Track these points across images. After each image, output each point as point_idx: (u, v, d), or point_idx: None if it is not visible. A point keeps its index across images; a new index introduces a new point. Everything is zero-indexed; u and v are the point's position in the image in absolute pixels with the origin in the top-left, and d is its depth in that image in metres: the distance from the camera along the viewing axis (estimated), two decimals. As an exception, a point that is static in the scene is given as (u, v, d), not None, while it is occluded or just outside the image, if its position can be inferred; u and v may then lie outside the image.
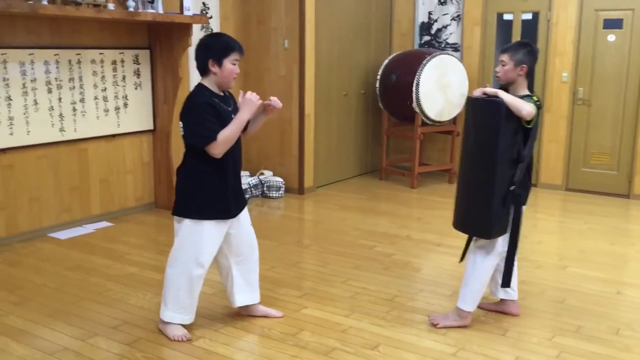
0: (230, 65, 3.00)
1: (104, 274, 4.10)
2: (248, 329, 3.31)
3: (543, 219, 5.59)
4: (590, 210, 5.96)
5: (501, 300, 3.52)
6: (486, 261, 3.26)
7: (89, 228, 5.13)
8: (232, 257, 3.26)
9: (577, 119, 6.62)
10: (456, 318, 3.33)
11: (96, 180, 5.30)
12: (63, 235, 4.93)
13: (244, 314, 3.44)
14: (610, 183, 6.55)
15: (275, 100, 3.16)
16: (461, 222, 3.34)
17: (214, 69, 2.99)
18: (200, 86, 3.05)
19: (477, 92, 3.16)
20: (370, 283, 3.99)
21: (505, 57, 3.22)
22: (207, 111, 2.94)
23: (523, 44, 3.26)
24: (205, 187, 3.05)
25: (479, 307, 3.53)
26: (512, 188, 3.13)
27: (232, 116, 3.04)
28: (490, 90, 3.09)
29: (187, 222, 3.07)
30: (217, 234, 3.11)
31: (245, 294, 3.36)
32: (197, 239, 3.07)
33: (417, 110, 6.51)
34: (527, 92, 3.22)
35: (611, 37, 6.35)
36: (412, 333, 3.27)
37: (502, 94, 3.05)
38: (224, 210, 3.10)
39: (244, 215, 3.26)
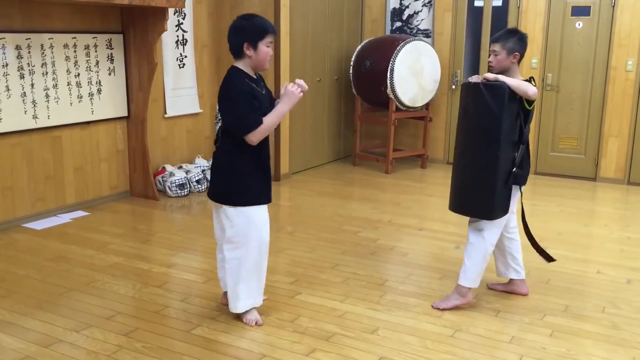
0: (265, 47, 2.96)
1: (88, 264, 4.01)
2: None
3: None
4: (561, 193, 6.13)
5: (510, 280, 3.61)
6: (483, 241, 3.32)
7: (65, 217, 5.00)
8: None
9: (546, 105, 6.78)
10: (457, 297, 3.40)
11: (70, 169, 5.16)
12: (38, 225, 4.79)
13: (226, 302, 3.37)
14: (578, 166, 6.74)
15: (301, 84, 3.08)
16: (461, 204, 3.38)
17: (249, 52, 2.95)
18: (235, 69, 3.00)
19: (474, 79, 3.21)
20: (359, 268, 4.02)
21: (497, 47, 3.27)
22: (247, 98, 2.91)
23: (513, 32, 3.31)
24: (253, 173, 3.04)
25: (489, 287, 3.65)
26: (514, 170, 3.21)
27: (265, 100, 3.02)
28: (490, 75, 3.15)
29: (243, 210, 3.04)
30: (267, 217, 3.14)
31: None
32: (259, 224, 3.07)
33: (391, 96, 6.55)
34: (521, 78, 3.29)
35: (579, 24, 6.51)
36: (408, 316, 3.32)
37: (503, 78, 3.13)
38: (269, 193, 3.13)
39: None
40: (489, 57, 3.37)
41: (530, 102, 3.19)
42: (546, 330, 3.19)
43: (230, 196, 3.07)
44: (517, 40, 3.27)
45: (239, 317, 3.21)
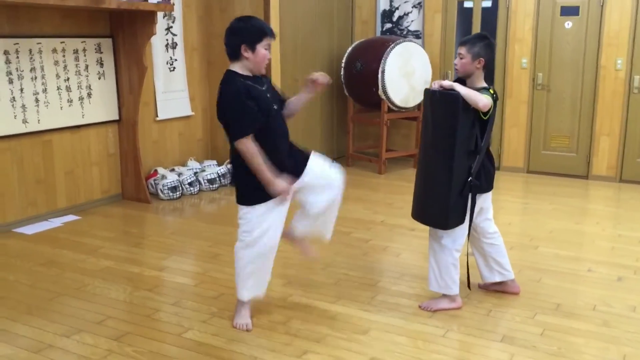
0: (263, 50, 2.94)
1: (79, 269, 3.99)
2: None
3: (509, 201, 5.74)
4: (553, 191, 6.14)
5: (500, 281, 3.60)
6: (445, 250, 3.32)
7: (56, 222, 4.98)
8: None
9: (537, 104, 6.80)
10: (447, 301, 3.39)
11: (61, 173, 5.14)
12: (29, 230, 4.77)
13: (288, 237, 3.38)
14: (570, 165, 6.76)
15: (322, 76, 3.06)
16: (419, 214, 3.38)
17: (246, 54, 2.93)
18: (230, 74, 2.98)
19: (435, 85, 3.19)
20: (351, 269, 4.01)
21: (463, 50, 3.24)
22: (239, 103, 2.89)
23: (481, 37, 3.28)
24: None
25: (480, 287, 3.63)
26: (469, 179, 3.19)
27: (267, 95, 3.00)
28: (446, 83, 3.13)
29: (250, 209, 3.04)
30: (282, 208, 3.09)
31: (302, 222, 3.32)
32: (265, 224, 3.05)
33: (382, 97, 6.56)
34: (484, 85, 3.26)
35: (568, 24, 6.53)
36: (399, 317, 3.31)
37: (458, 87, 3.09)
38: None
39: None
40: (455, 59, 3.34)
41: (486, 112, 3.14)
42: (537, 328, 3.20)
43: (239, 194, 3.10)
44: (484, 46, 3.22)
45: (230, 319, 3.19)
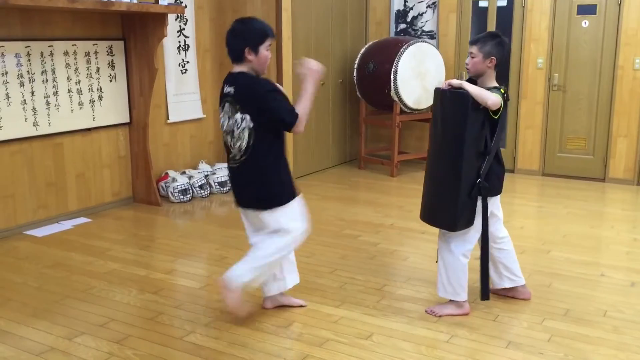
0: (265, 51, 2.96)
1: (86, 271, 4.00)
2: (238, 322, 3.26)
3: (523, 204, 5.63)
4: (568, 194, 6.03)
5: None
6: (453, 254, 3.25)
7: (67, 224, 5.01)
8: None
9: (553, 105, 6.69)
10: (453, 307, 3.33)
11: (72, 176, 5.17)
12: (40, 232, 4.80)
13: (270, 305, 3.41)
14: (586, 167, 6.64)
15: (313, 63, 3.05)
16: (428, 215, 3.33)
17: (250, 56, 2.94)
18: (245, 74, 2.99)
19: (445, 85, 3.13)
20: (358, 273, 3.97)
21: (474, 49, 3.18)
22: (280, 93, 2.95)
23: (492, 36, 3.22)
24: (283, 170, 3.07)
25: (492, 292, 3.50)
26: (478, 181, 3.13)
27: None
28: (455, 82, 3.07)
29: (282, 209, 3.05)
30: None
31: (293, 274, 3.39)
32: (302, 214, 3.12)
33: (395, 98, 6.50)
34: (495, 84, 3.20)
35: (585, 23, 6.42)
36: (404, 321, 3.26)
37: (467, 86, 3.03)
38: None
39: None
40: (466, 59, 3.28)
41: (496, 111, 3.08)
42: (545, 335, 3.12)
43: (277, 197, 3.06)
44: (495, 45, 3.16)
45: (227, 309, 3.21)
